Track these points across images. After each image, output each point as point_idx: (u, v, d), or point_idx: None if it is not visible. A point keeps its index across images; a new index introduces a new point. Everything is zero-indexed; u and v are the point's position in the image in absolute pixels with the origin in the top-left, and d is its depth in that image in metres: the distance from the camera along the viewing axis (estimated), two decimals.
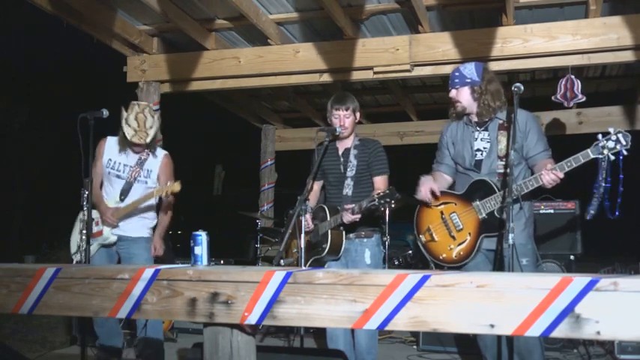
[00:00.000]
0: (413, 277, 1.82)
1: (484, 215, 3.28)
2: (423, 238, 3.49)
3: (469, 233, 3.33)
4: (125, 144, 4.20)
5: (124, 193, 4.21)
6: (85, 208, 3.79)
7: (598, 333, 1.67)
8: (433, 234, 3.44)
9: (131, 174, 4.20)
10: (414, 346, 5.05)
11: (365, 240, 3.82)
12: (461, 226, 3.36)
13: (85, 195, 3.78)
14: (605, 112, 7.31)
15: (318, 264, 3.80)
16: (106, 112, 4.06)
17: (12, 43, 14.99)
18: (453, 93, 3.43)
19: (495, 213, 3.24)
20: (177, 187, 4.07)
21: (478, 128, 3.42)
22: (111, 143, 4.26)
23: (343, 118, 3.83)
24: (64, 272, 2.19)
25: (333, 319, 1.90)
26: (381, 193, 3.49)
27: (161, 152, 4.36)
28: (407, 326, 1.83)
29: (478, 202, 3.30)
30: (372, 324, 1.84)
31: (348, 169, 3.86)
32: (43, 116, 16.18)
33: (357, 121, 3.93)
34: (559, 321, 1.68)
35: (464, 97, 3.39)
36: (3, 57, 14.32)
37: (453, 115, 3.51)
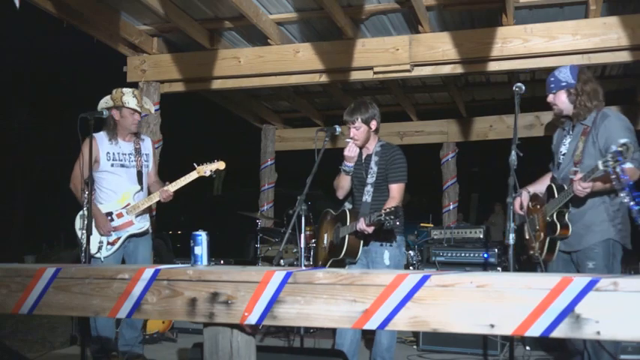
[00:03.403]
0: (413, 277, 1.82)
1: (548, 218, 3.44)
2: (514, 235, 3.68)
3: (542, 234, 3.51)
4: (114, 133, 4.23)
5: (140, 181, 4.29)
6: (85, 208, 3.79)
7: (598, 333, 1.67)
8: (525, 231, 3.64)
9: (137, 161, 4.29)
10: (414, 346, 5.04)
11: (384, 243, 3.82)
12: (537, 227, 3.55)
13: (85, 195, 3.78)
14: None
15: (339, 265, 3.81)
16: (106, 112, 4.10)
17: (12, 43, 14.99)
18: (550, 98, 3.56)
19: (554, 216, 3.38)
20: (223, 164, 4.27)
21: (570, 132, 3.56)
22: (100, 138, 4.21)
23: (353, 130, 3.83)
24: (64, 272, 2.19)
25: (333, 319, 1.90)
26: (388, 210, 3.47)
27: (145, 136, 4.57)
28: (407, 326, 1.83)
29: (547, 205, 3.49)
30: (372, 324, 1.84)
31: (369, 176, 3.84)
32: (43, 116, 16.19)
33: (373, 129, 3.88)
34: (559, 321, 1.69)
35: (560, 100, 3.51)
36: (3, 57, 14.33)
37: (555, 119, 3.69)
